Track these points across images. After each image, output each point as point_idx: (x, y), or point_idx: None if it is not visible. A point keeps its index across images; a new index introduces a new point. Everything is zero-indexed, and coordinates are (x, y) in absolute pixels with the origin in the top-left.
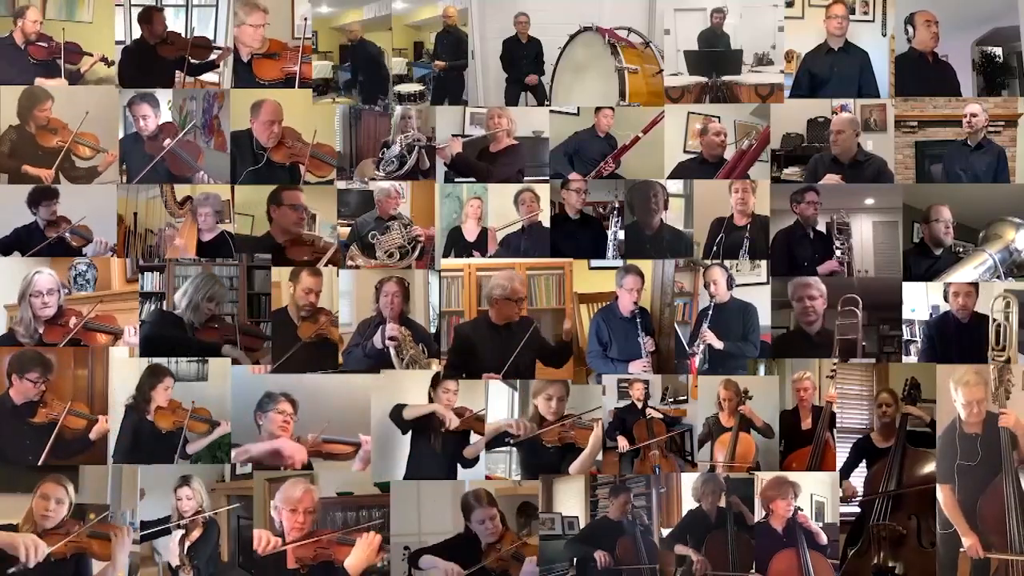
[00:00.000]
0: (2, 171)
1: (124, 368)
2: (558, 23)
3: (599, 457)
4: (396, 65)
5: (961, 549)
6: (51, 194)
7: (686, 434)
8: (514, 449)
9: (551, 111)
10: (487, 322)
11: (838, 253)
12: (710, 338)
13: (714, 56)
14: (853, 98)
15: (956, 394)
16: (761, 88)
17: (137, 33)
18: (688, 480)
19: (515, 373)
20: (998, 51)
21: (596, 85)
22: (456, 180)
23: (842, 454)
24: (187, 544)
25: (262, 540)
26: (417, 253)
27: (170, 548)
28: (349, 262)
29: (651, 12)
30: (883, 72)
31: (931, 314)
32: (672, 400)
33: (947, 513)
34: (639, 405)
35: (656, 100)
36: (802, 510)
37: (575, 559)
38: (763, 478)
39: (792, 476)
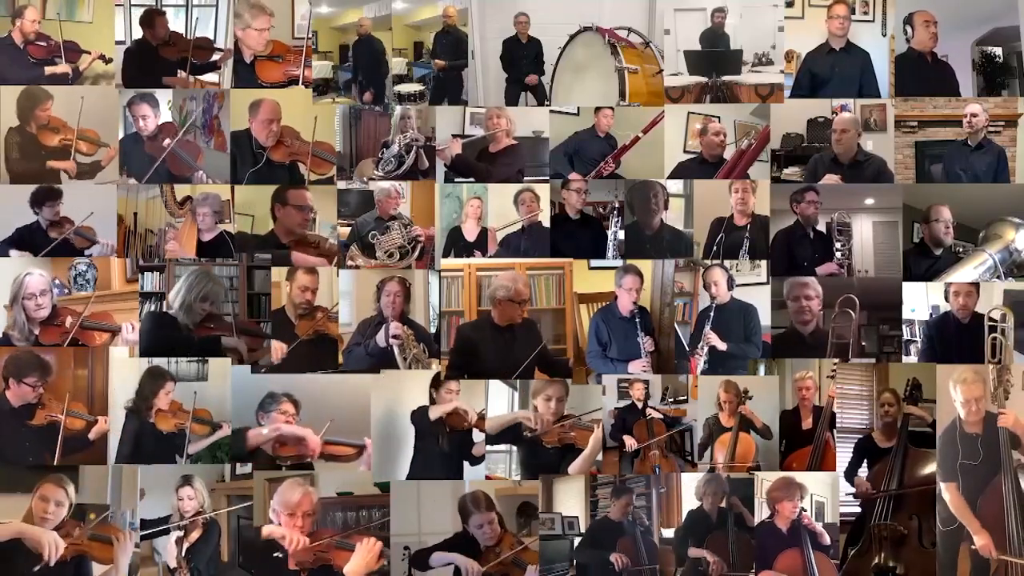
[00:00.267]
0: (15, 175)
1: (124, 368)
2: (558, 23)
3: (599, 457)
4: (396, 65)
5: (973, 547)
6: (55, 194)
7: (686, 434)
8: (514, 449)
9: (551, 111)
10: (489, 323)
11: (838, 254)
12: (713, 340)
13: (714, 56)
14: (853, 98)
15: (955, 392)
16: (761, 88)
17: (138, 34)
18: (688, 480)
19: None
20: (998, 51)
21: (596, 85)
22: (456, 180)
23: (842, 454)
24: (185, 546)
25: (289, 539)
26: (417, 253)
27: (168, 549)
28: (349, 262)
29: (651, 12)
30: (883, 72)
31: (931, 314)
32: (672, 400)
33: (955, 512)
34: (639, 405)
35: (656, 100)
36: (805, 511)
37: (590, 565)
38: (764, 478)
39: (798, 478)
